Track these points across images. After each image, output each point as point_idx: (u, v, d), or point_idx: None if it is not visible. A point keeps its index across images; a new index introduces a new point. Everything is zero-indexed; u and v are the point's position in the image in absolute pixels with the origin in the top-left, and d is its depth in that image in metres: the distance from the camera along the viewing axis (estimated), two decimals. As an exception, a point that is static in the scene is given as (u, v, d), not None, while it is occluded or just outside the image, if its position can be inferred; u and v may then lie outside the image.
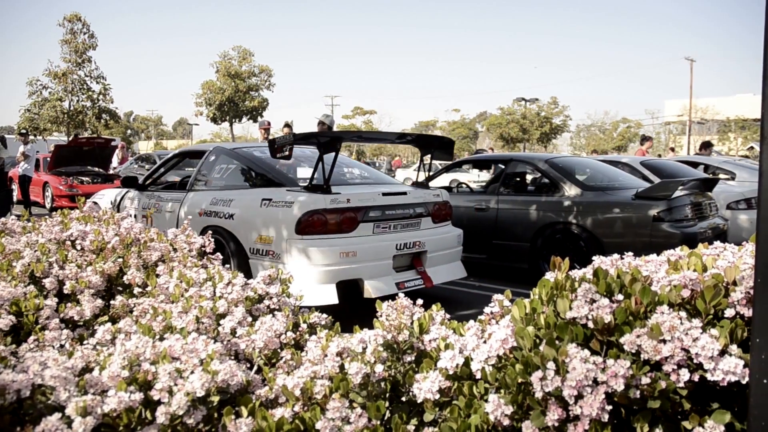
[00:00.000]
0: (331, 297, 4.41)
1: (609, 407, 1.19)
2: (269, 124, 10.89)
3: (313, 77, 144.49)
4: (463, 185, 9.17)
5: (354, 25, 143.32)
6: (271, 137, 6.61)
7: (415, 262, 5.18)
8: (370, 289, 4.68)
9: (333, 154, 4.75)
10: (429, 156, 5.80)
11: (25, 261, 2.30)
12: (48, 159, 15.51)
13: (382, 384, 1.45)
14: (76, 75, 32.95)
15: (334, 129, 9.00)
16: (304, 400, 1.38)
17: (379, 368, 1.41)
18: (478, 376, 1.40)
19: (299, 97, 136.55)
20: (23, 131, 19.29)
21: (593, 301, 1.37)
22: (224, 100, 42.82)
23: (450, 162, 7.56)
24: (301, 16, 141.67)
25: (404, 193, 5.24)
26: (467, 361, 1.43)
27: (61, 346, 1.86)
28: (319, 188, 4.72)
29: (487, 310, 1.73)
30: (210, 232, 3.01)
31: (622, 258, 1.75)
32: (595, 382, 1.20)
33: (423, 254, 5.21)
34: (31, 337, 1.86)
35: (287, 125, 11.33)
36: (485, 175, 20.45)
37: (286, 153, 4.89)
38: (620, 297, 1.37)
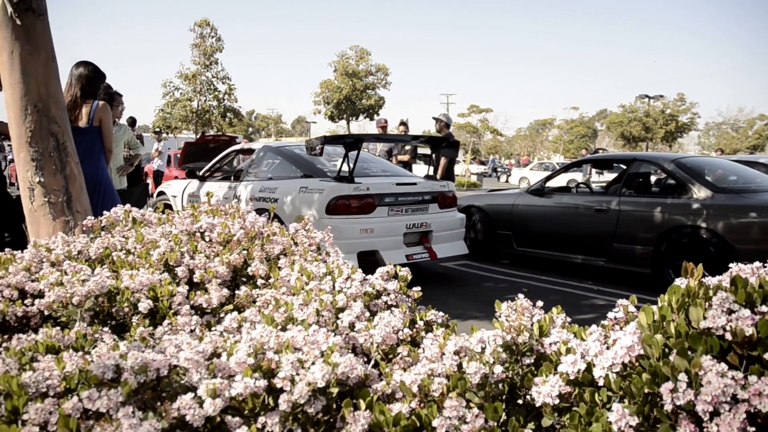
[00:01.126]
0: (353, 264, 5.30)
1: (752, 429, 1.10)
2: (386, 122, 11.06)
3: (430, 75, 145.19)
4: (582, 185, 8.87)
5: (470, 25, 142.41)
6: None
7: (422, 239, 6.28)
8: (384, 259, 5.65)
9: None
10: (437, 153, 7.19)
11: (161, 250, 2.46)
12: (178, 155, 16.53)
13: (500, 385, 1.42)
14: (204, 76, 35.02)
15: (451, 126, 9.77)
16: (421, 396, 1.38)
17: (498, 369, 1.39)
18: (601, 383, 1.34)
19: (415, 94, 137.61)
20: (157, 129, 20.77)
21: (731, 311, 1.27)
22: (341, 99, 43.90)
23: (569, 162, 8.44)
24: (417, 14, 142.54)
25: (414, 184, 6.34)
26: (589, 367, 1.38)
27: (192, 330, 1.98)
28: (345, 179, 5.88)
29: (611, 315, 1.66)
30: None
31: (764, 266, 1.61)
32: (735, 399, 1.12)
33: (429, 233, 6.31)
34: (166, 321, 1.99)
35: (403, 123, 11.45)
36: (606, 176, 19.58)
37: (317, 151, 5.98)
38: (764, 308, 1.27)
